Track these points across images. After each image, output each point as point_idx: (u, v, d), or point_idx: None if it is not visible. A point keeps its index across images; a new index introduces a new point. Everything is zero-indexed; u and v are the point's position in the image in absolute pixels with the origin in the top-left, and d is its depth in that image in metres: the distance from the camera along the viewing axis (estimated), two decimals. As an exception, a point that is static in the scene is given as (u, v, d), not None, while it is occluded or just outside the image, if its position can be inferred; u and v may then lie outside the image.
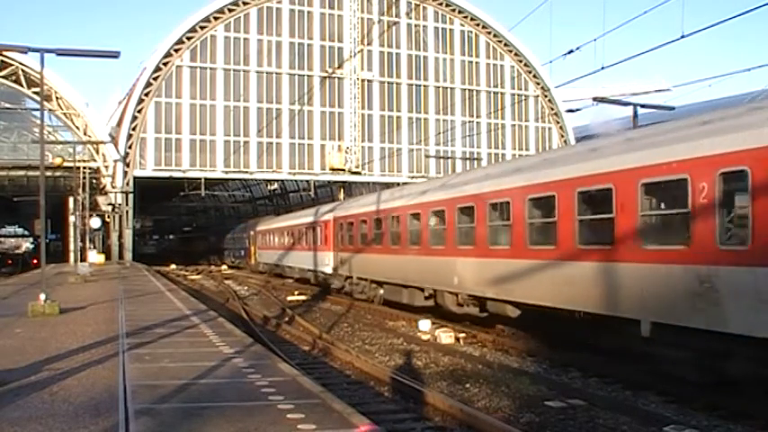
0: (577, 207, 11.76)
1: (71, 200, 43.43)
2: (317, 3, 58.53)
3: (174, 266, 56.02)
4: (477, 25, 62.29)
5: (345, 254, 25.19)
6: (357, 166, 58.43)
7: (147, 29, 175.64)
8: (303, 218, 33.96)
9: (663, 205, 10.46)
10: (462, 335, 16.17)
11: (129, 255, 53.45)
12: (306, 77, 57.52)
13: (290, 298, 28.13)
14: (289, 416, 6.56)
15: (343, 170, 58.30)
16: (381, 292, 22.08)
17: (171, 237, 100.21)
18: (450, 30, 62.02)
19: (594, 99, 28.59)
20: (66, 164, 44.23)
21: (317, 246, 29.27)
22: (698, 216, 9.18)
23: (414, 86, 61.02)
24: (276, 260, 39.63)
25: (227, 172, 57.08)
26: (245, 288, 35.51)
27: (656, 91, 72.58)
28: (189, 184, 57.30)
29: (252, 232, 49.36)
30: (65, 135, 52.86)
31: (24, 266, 57.28)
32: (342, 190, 60.91)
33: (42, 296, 15.93)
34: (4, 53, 41.26)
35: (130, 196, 53.96)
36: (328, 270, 27.51)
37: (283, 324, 19.39)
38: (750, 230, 8.49)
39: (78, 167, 42.88)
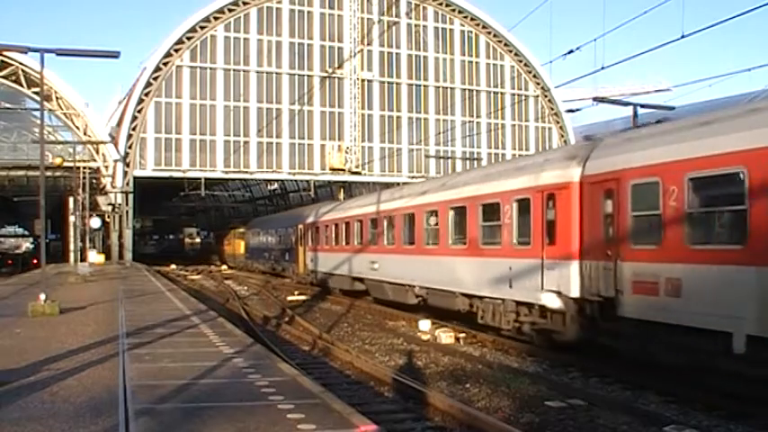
0: None
1: (71, 200, 43.38)
2: (317, 3, 58.46)
3: (173, 267, 56.01)
4: (477, 25, 62.25)
5: (658, 266, 10.39)
6: (357, 166, 58.37)
7: (147, 29, 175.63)
8: (449, 190, 17.78)
9: None
10: (462, 335, 16.17)
11: (128, 255, 53.44)
12: (306, 77, 57.47)
13: (290, 298, 28.14)
14: (289, 416, 6.57)
15: (344, 170, 58.23)
16: None
17: (172, 236, 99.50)
18: (451, 30, 61.96)
19: (594, 99, 28.57)
20: (66, 164, 44.21)
21: (509, 248, 14.49)
22: None
23: (414, 86, 60.95)
24: (358, 271, 24.57)
25: (227, 172, 57.03)
26: (245, 288, 35.50)
27: (656, 91, 72.81)
28: (189, 184, 57.29)
29: (300, 226, 35.00)
30: (65, 135, 52.78)
31: (24, 266, 57.21)
32: (342, 190, 60.92)
33: (42, 296, 15.93)
34: (4, 53, 41.20)
35: (130, 196, 53.91)
36: (554, 302, 12.82)
37: (283, 324, 19.40)
38: None
39: (78, 167, 42.88)
